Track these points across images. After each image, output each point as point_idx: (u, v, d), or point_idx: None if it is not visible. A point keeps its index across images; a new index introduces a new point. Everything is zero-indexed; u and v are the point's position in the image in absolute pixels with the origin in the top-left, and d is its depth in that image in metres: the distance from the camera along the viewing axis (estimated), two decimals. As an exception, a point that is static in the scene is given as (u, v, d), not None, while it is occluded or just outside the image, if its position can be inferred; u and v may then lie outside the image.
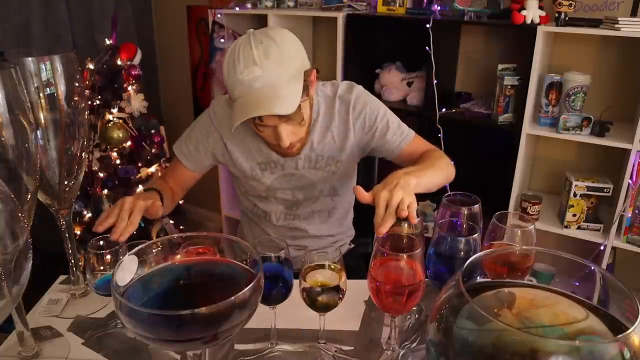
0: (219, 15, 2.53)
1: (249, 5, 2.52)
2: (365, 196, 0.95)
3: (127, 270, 0.59)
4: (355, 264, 1.42)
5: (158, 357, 0.89)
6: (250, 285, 0.53)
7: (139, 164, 2.40)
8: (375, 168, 1.72)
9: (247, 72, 1.08)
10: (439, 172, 1.17)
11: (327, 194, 1.39)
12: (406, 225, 0.97)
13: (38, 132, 0.87)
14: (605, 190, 1.93)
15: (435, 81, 2.09)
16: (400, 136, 1.30)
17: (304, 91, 1.14)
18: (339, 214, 1.46)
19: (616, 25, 1.70)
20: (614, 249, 1.96)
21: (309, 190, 1.37)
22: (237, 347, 0.91)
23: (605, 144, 1.83)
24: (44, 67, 0.86)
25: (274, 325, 0.91)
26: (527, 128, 1.96)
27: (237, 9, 2.50)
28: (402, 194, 0.91)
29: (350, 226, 1.56)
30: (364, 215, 1.63)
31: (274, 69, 1.08)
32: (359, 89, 1.32)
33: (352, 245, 1.57)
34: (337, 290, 0.85)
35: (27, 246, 0.55)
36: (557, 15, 1.84)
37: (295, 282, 0.87)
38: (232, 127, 1.12)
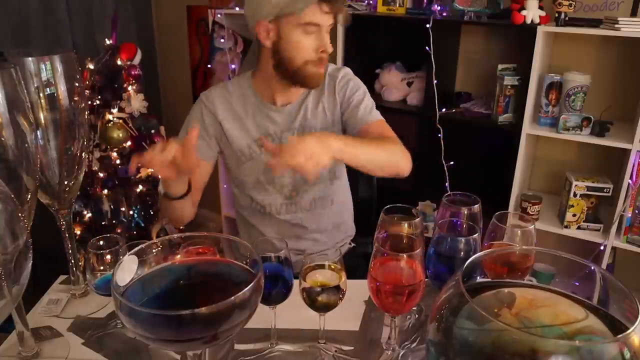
0: (219, 15, 2.53)
1: (249, 5, 2.52)
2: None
3: (127, 270, 0.59)
4: (355, 264, 1.41)
5: (158, 357, 0.89)
6: (250, 285, 0.53)
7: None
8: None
9: None
10: (378, 150, 1.19)
11: (326, 175, 1.41)
12: (406, 225, 0.97)
13: (38, 132, 0.87)
14: (605, 190, 1.93)
15: (435, 81, 2.09)
16: (369, 114, 1.36)
17: None
18: (339, 201, 1.48)
19: (616, 25, 1.70)
20: (614, 249, 1.96)
21: None
22: (237, 347, 0.91)
23: (605, 144, 1.83)
24: (44, 67, 0.86)
25: (274, 325, 0.91)
26: (527, 128, 1.96)
27: (237, 9, 2.51)
28: (313, 143, 1.01)
29: (351, 224, 1.56)
30: (363, 214, 1.63)
31: None
32: (346, 69, 1.44)
33: (352, 245, 1.57)
34: (337, 290, 0.84)
35: (27, 246, 0.55)
36: (557, 15, 1.84)
37: (295, 282, 0.88)
38: (303, 9, 1.19)
